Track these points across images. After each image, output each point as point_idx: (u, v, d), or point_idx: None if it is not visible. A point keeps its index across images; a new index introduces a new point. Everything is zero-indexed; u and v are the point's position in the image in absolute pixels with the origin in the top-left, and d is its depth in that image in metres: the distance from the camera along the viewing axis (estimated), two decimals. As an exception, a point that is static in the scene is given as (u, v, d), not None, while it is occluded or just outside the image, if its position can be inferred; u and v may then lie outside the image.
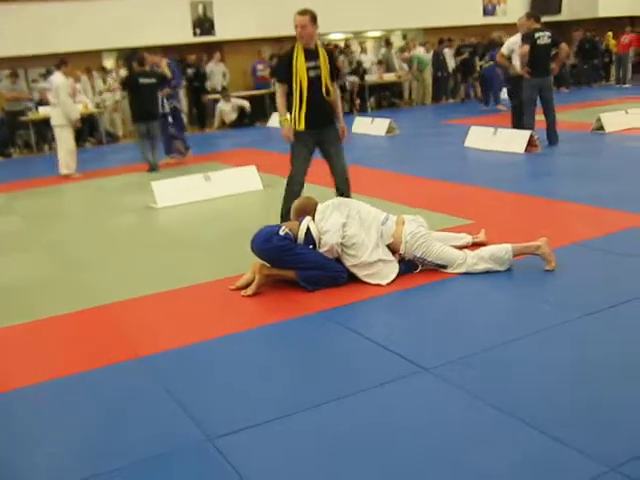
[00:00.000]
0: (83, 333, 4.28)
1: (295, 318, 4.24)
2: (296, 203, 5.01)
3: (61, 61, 10.98)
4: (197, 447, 2.87)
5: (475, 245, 5.15)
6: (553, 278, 4.55)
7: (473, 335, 3.78)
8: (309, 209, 4.91)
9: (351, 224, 4.74)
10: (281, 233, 4.67)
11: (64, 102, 10.64)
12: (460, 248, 4.96)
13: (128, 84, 11.02)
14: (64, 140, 10.82)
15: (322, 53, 5.86)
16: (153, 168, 10.65)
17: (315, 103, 5.83)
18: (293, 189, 5.97)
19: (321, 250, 4.69)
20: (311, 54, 5.83)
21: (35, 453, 2.97)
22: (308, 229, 4.71)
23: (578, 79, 20.81)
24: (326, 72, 5.84)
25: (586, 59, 20.80)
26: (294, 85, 5.82)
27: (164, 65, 11.34)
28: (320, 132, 5.96)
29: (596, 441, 2.69)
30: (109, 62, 17.49)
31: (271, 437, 2.91)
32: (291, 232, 4.71)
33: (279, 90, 6.04)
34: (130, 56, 11.39)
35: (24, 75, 16.65)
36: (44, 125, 15.06)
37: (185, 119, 16.31)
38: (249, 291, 4.65)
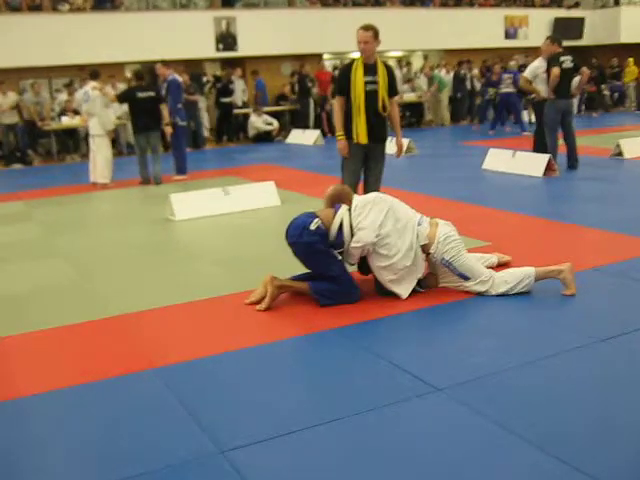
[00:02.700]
0: (97, 342, 4.30)
1: (309, 334, 4.26)
2: (331, 190, 4.98)
3: (95, 72, 11.17)
4: (209, 459, 2.88)
5: (500, 266, 5.14)
6: (570, 303, 4.54)
7: (487, 357, 3.77)
8: (343, 197, 4.88)
9: (386, 223, 4.67)
10: (312, 227, 4.61)
11: (100, 113, 10.81)
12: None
13: (124, 98, 11.20)
14: (102, 150, 10.97)
15: (381, 69, 5.96)
16: (156, 181, 10.79)
17: (370, 117, 5.93)
18: None
19: (353, 245, 4.63)
20: (370, 69, 5.93)
21: (44, 460, 3.00)
22: (341, 224, 4.65)
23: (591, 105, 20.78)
24: (384, 87, 5.93)
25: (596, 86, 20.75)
26: (352, 98, 5.92)
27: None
28: (370, 147, 6.04)
29: (605, 466, 2.68)
30: (129, 74, 17.61)
31: (283, 451, 2.92)
32: (323, 225, 4.64)
33: (337, 104, 6.14)
34: (152, 69, 11.48)
35: (48, 85, 16.86)
36: (66, 134, 15.28)
37: (206, 133, 16.47)
38: (263, 305, 4.65)
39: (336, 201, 4.85)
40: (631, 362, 3.66)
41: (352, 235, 4.65)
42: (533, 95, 10.69)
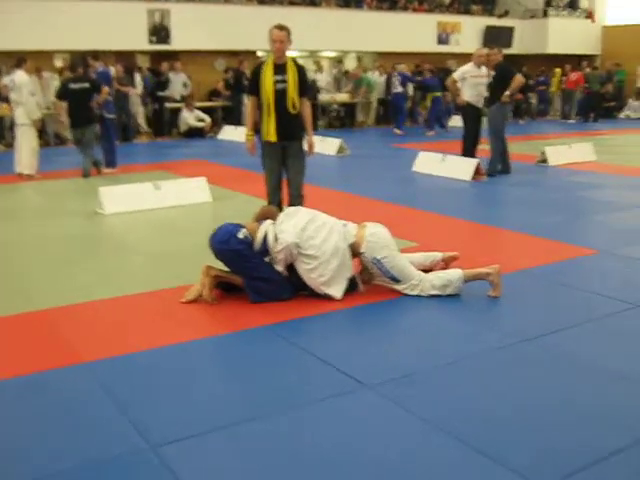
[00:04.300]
0: (23, 336, 4.21)
1: (242, 330, 4.26)
2: (260, 209, 5.07)
3: (21, 59, 10.83)
4: (139, 455, 2.87)
5: (445, 262, 5.24)
6: (495, 304, 4.68)
7: (415, 355, 3.86)
8: (271, 215, 4.94)
9: (309, 227, 4.74)
10: (240, 236, 4.67)
11: (26, 101, 10.51)
12: (427, 271, 5.01)
13: (61, 94, 10.79)
14: (28, 139, 10.64)
15: (291, 68, 6.03)
16: (85, 174, 10.55)
17: (280, 116, 6.01)
18: (272, 204, 6.06)
19: (277, 250, 4.67)
20: (280, 68, 6.01)
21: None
22: (266, 234, 4.72)
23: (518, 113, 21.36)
24: (293, 86, 6.00)
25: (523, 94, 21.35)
26: (262, 97, 6.02)
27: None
28: (284, 145, 6.12)
29: (525, 459, 2.79)
30: (59, 63, 17.15)
31: (213, 446, 2.93)
32: (250, 235, 4.71)
33: (249, 103, 6.29)
34: (84, 59, 11.27)
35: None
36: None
37: (144, 127, 16.23)
38: (208, 298, 4.67)
39: (262, 219, 4.93)
40: (550, 361, 3.79)
41: (276, 241, 4.71)
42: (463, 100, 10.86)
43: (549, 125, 19.95)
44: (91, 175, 10.57)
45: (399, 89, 17.32)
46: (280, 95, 5.99)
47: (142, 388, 3.50)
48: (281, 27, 6.01)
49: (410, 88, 18.56)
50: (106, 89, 10.83)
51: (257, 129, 6.26)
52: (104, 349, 3.97)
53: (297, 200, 6.18)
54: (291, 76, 5.99)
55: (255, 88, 6.08)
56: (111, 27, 16.32)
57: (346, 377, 3.57)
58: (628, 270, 5.51)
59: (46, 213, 8.07)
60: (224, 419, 3.15)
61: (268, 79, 5.97)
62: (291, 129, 6.12)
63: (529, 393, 3.42)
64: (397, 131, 17.14)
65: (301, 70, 6.15)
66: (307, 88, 6.26)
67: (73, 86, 10.55)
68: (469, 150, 10.64)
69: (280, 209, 6.03)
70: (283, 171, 6.26)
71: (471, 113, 10.54)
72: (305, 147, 6.28)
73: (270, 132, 6.06)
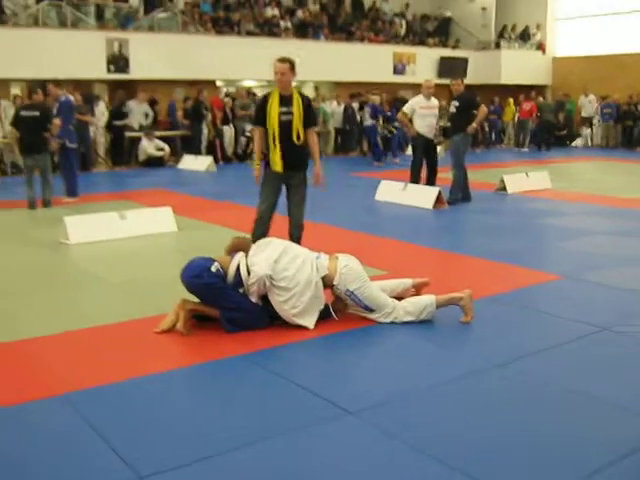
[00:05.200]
0: (-3, 368, 4.16)
1: (219, 359, 4.27)
2: (231, 241, 5.06)
3: None
4: (126, 486, 2.85)
5: (416, 288, 5.31)
6: (467, 330, 4.78)
7: (394, 380, 3.92)
8: (243, 247, 4.96)
9: (282, 259, 4.78)
10: (213, 270, 4.69)
11: None
12: (399, 298, 5.07)
13: (14, 121, 10.65)
14: None
15: (297, 99, 6.09)
16: (45, 204, 10.35)
17: (285, 146, 6.07)
18: (257, 231, 6.10)
19: (250, 282, 4.69)
20: (285, 100, 6.08)
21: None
22: (238, 267, 4.75)
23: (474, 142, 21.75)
24: (298, 118, 6.06)
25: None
26: (268, 128, 6.08)
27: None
28: (288, 175, 6.18)
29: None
30: (16, 90, 16.97)
31: (199, 476, 2.93)
32: (222, 269, 4.74)
33: (255, 134, 6.35)
34: (44, 88, 11.14)
35: None
36: None
37: (103, 155, 16.10)
38: (183, 330, 4.64)
39: (235, 251, 4.95)
40: (524, 385, 3.89)
41: (249, 274, 4.73)
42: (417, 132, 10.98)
43: (504, 154, 20.34)
44: (43, 205, 10.38)
45: (369, 122, 17.21)
46: (285, 126, 6.04)
47: (123, 420, 3.47)
48: (283, 60, 6.09)
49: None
50: (57, 121, 10.66)
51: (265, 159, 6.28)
52: (82, 380, 3.93)
53: (297, 230, 6.26)
54: (296, 108, 6.06)
55: (261, 119, 6.13)
56: (69, 56, 16.23)
57: (327, 403, 3.60)
58: (592, 294, 5.67)
59: (7, 244, 7.92)
60: (208, 449, 3.15)
61: (274, 110, 6.03)
62: (296, 160, 6.16)
63: (505, 417, 3.50)
64: (377, 163, 16.86)
65: (306, 101, 6.20)
66: (313, 119, 6.32)
67: (24, 113, 10.41)
68: (415, 178, 10.95)
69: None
70: (277, 204, 6.28)
71: (421, 143, 10.77)
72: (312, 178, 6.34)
73: (277, 162, 6.11)
